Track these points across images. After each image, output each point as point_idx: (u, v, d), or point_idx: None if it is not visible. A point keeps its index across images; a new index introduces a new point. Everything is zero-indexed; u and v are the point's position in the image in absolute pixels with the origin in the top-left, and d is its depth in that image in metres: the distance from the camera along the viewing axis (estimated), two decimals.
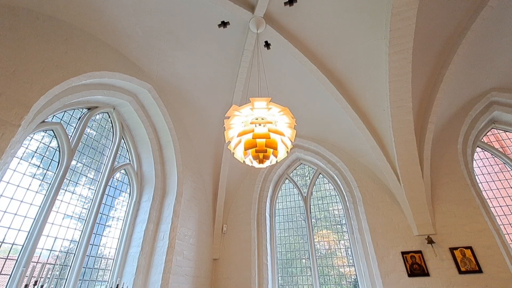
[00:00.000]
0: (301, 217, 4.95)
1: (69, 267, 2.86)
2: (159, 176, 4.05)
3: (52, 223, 2.76)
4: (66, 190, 2.97)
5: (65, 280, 2.79)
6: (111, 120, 3.83)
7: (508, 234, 3.77)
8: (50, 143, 2.92)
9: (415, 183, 3.84)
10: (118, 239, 3.54)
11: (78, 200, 3.11)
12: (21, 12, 2.49)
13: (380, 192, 4.35)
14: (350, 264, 4.27)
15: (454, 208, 3.83)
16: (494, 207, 3.96)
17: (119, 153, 3.80)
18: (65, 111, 3.12)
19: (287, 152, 2.49)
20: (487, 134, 4.52)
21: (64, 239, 2.87)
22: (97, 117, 3.61)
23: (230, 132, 2.47)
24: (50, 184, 2.80)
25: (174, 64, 3.83)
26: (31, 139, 2.72)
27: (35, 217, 2.61)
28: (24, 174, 2.59)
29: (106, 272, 3.30)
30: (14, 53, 2.34)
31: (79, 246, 2.98)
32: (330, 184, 5.05)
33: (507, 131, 4.42)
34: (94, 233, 3.15)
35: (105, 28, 3.16)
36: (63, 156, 2.98)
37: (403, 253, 3.78)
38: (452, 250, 3.58)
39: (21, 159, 2.60)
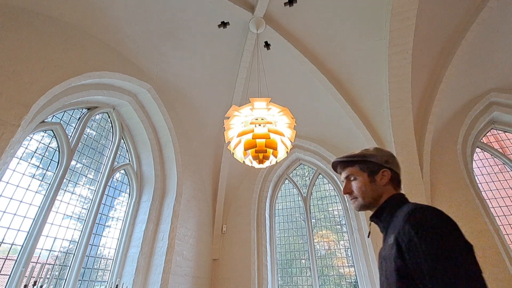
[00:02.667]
0: (301, 217, 4.95)
1: (68, 267, 2.86)
2: (158, 176, 4.05)
3: (52, 223, 2.76)
4: (65, 190, 2.97)
5: (64, 280, 2.78)
6: (110, 120, 3.83)
7: (507, 234, 3.78)
8: (49, 143, 2.92)
9: (414, 183, 3.84)
10: (118, 239, 3.53)
11: (77, 200, 3.10)
12: (21, 12, 2.49)
13: None
14: (349, 265, 4.27)
15: (454, 209, 3.83)
16: (493, 207, 3.96)
17: (119, 153, 3.80)
18: (64, 111, 3.12)
19: (287, 152, 2.49)
20: (487, 134, 4.52)
21: (63, 239, 2.87)
22: (97, 117, 3.60)
23: (230, 132, 2.47)
24: (49, 184, 2.80)
25: (173, 64, 3.84)
26: (30, 139, 2.72)
27: (35, 217, 2.61)
28: (23, 174, 2.59)
29: (105, 272, 3.30)
30: (14, 53, 2.34)
31: (79, 246, 2.98)
32: (330, 184, 5.05)
33: (506, 132, 4.43)
34: (93, 233, 3.15)
35: (105, 28, 3.16)
36: (62, 156, 2.98)
37: None
38: None
39: (20, 159, 2.59)
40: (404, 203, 0.93)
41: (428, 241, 0.67)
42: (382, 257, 0.88)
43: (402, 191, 1.00)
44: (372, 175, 1.00)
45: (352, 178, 1.03)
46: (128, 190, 3.88)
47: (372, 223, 0.97)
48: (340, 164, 1.09)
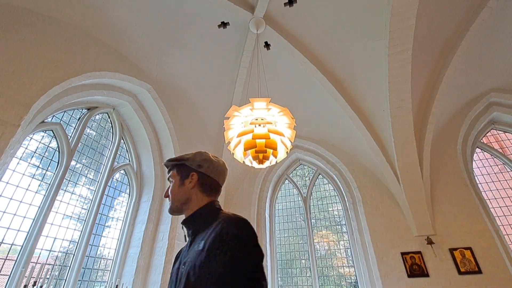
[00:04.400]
0: (301, 217, 4.95)
1: (68, 268, 2.85)
2: (158, 176, 4.04)
3: (52, 224, 2.76)
4: (65, 191, 2.97)
5: (64, 280, 2.78)
6: (110, 120, 3.83)
7: (507, 235, 3.77)
8: (49, 143, 2.92)
9: (414, 183, 3.84)
10: (118, 239, 3.53)
11: (77, 200, 3.10)
12: (21, 12, 2.49)
13: (379, 193, 4.35)
14: (349, 265, 4.27)
15: (454, 209, 3.83)
16: (493, 207, 3.96)
17: (119, 153, 3.80)
18: (64, 111, 3.12)
19: (287, 152, 2.49)
20: (487, 134, 4.52)
21: (63, 239, 2.87)
22: (97, 117, 3.60)
23: (230, 133, 2.47)
24: (49, 184, 2.80)
25: (174, 64, 3.84)
26: (30, 139, 2.72)
27: (35, 217, 2.60)
28: (23, 174, 2.59)
29: (105, 272, 3.29)
30: (14, 53, 2.34)
31: (79, 247, 2.98)
32: (329, 184, 5.05)
33: (506, 132, 4.43)
34: (93, 234, 3.14)
35: (105, 28, 3.16)
36: (62, 156, 2.98)
37: (402, 253, 3.77)
38: (451, 250, 3.58)
39: (20, 159, 2.59)
40: (217, 212, 0.93)
41: (231, 252, 0.72)
42: (182, 262, 0.86)
43: (218, 200, 1.03)
44: (183, 179, 0.99)
45: (170, 181, 1.02)
46: (128, 190, 3.88)
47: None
48: (167, 167, 1.07)
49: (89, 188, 3.27)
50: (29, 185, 2.61)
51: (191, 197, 0.97)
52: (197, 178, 0.99)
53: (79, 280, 2.89)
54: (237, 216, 0.84)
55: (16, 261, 2.38)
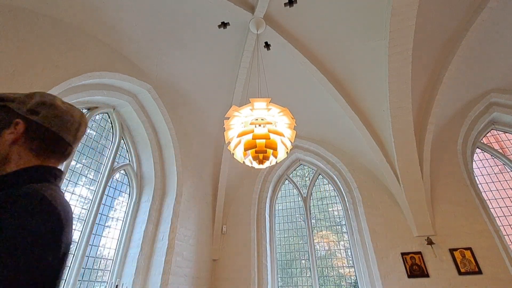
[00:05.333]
0: (301, 218, 4.95)
1: (68, 268, 2.85)
2: (158, 177, 4.04)
3: None
4: (65, 191, 2.96)
5: (64, 280, 2.78)
6: (110, 121, 3.83)
7: (507, 235, 3.77)
8: None
9: (414, 183, 3.84)
10: (118, 239, 3.53)
11: (77, 200, 3.10)
12: (21, 12, 2.49)
13: (379, 193, 4.35)
14: (349, 265, 4.27)
15: (454, 209, 3.83)
16: (493, 208, 3.96)
17: (119, 153, 3.79)
18: None
19: (287, 152, 2.49)
20: (487, 135, 4.52)
21: None
22: (97, 117, 3.60)
23: (230, 133, 2.47)
24: None
25: (174, 64, 3.84)
26: None
27: None
28: None
29: (105, 272, 3.29)
30: (14, 53, 2.34)
31: (78, 247, 2.98)
32: (330, 185, 5.05)
33: (506, 132, 4.43)
34: (93, 234, 3.14)
35: (105, 28, 3.16)
36: None
37: (402, 254, 3.77)
38: (451, 251, 3.58)
39: None
40: (27, 184, 0.61)
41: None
42: None
43: (61, 167, 0.74)
44: (2, 128, 0.67)
45: None
46: (128, 191, 3.88)
47: None
48: None
49: (89, 188, 3.27)
50: None
51: (9, 156, 0.65)
52: (23, 129, 0.67)
53: (79, 280, 2.89)
54: (48, 193, 0.58)
55: None
